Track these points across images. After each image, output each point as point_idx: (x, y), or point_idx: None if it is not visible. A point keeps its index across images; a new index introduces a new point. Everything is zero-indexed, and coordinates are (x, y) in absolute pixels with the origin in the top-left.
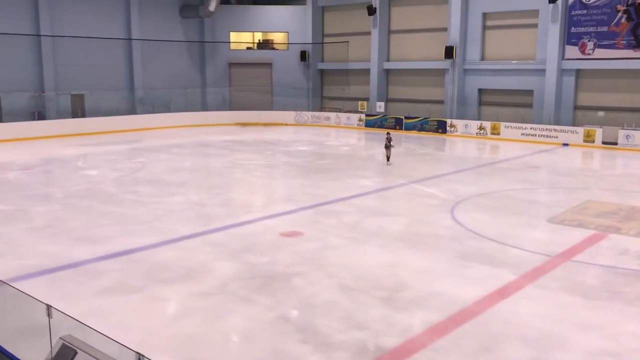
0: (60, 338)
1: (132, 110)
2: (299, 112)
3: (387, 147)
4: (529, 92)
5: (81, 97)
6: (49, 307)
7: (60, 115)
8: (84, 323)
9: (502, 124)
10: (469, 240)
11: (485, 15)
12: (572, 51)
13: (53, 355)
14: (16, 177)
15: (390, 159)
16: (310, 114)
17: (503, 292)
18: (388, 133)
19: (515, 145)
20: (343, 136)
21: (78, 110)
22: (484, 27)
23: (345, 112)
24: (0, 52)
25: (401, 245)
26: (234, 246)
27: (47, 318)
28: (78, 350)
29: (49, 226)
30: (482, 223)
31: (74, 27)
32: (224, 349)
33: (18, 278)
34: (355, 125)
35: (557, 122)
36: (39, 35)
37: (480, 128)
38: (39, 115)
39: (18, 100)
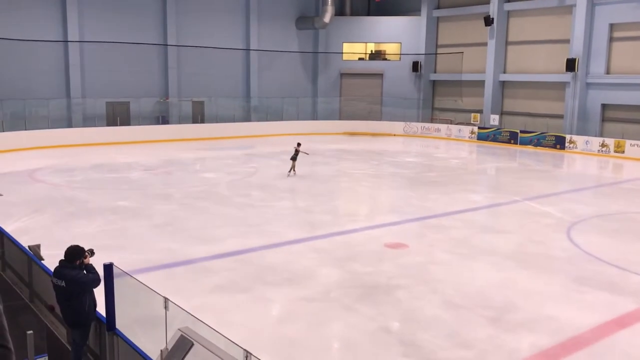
0: (179, 329)
1: (247, 118)
2: (407, 123)
3: (293, 158)
4: None
5: (201, 103)
6: (166, 299)
7: (181, 120)
8: (197, 317)
9: (628, 142)
10: (586, 263)
11: (612, 26)
12: None
13: (172, 346)
14: (140, 177)
15: (295, 170)
16: (420, 125)
17: (622, 322)
18: (298, 144)
19: None
20: (453, 149)
21: (198, 116)
22: (610, 39)
23: (457, 124)
24: (131, 60)
25: (512, 264)
26: (338, 254)
27: (164, 310)
28: (195, 342)
29: (168, 224)
30: (602, 246)
31: (197, 38)
32: (325, 355)
33: (139, 271)
34: (467, 138)
35: None
36: (166, 45)
37: (603, 145)
38: (163, 119)
39: (145, 105)
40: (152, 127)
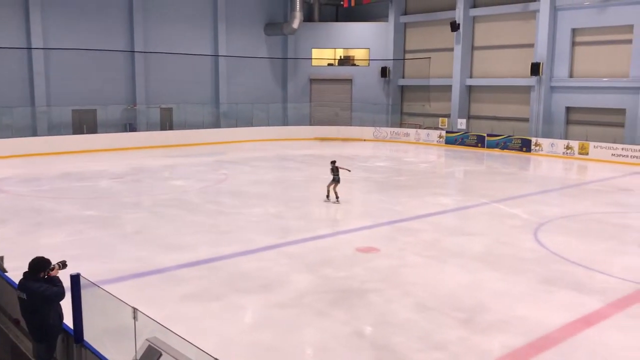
0: (146, 340)
1: (216, 124)
2: (377, 128)
3: (335, 180)
4: (621, 111)
5: (170, 110)
6: (135, 310)
7: (150, 127)
8: (167, 327)
9: (591, 144)
10: (553, 264)
11: (574, 31)
12: None
13: (140, 357)
14: (108, 186)
15: (339, 195)
16: (389, 129)
17: (589, 320)
18: (333, 163)
19: (605, 167)
20: (422, 153)
21: (166, 122)
22: (573, 43)
23: (425, 128)
24: (98, 67)
25: (482, 266)
26: (311, 259)
27: (133, 320)
28: (163, 353)
29: (137, 233)
30: (568, 247)
31: (164, 44)
32: None
33: (108, 281)
34: (435, 142)
35: None
36: (133, 52)
37: (568, 147)
38: (131, 127)
39: (112, 112)
40: (119, 134)
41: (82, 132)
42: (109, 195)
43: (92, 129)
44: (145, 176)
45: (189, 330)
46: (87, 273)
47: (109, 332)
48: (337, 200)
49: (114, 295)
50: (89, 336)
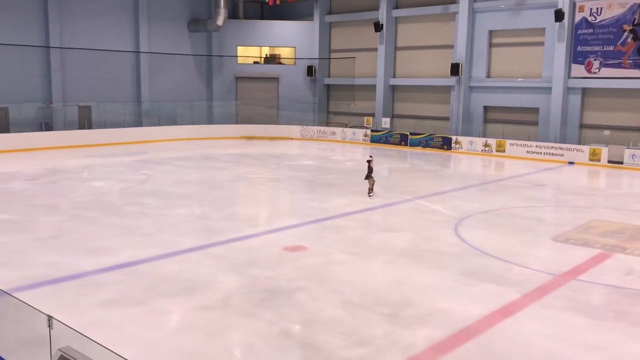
0: (58, 349)
1: (138, 123)
2: (304, 127)
3: (369, 176)
4: (535, 110)
5: (88, 108)
6: (50, 318)
7: (67, 126)
8: (84, 335)
9: (508, 142)
10: (473, 257)
11: (491, 33)
12: (578, 70)
13: None
14: (22, 188)
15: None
16: (316, 128)
17: (507, 311)
18: (370, 158)
19: (521, 163)
20: (348, 151)
21: (85, 121)
22: (490, 45)
23: (351, 127)
24: (10, 63)
25: (406, 261)
26: (237, 260)
27: (48, 329)
28: None
29: (54, 237)
30: (487, 240)
31: (82, 39)
32: None
33: (21, 288)
34: (361, 141)
35: (563, 140)
36: (48, 47)
37: (486, 145)
38: (46, 126)
39: (26, 110)
40: (34, 134)
41: None
42: (23, 198)
43: (4, 129)
44: (62, 177)
45: (109, 338)
46: None
47: (23, 342)
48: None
49: (26, 303)
50: (1, 347)
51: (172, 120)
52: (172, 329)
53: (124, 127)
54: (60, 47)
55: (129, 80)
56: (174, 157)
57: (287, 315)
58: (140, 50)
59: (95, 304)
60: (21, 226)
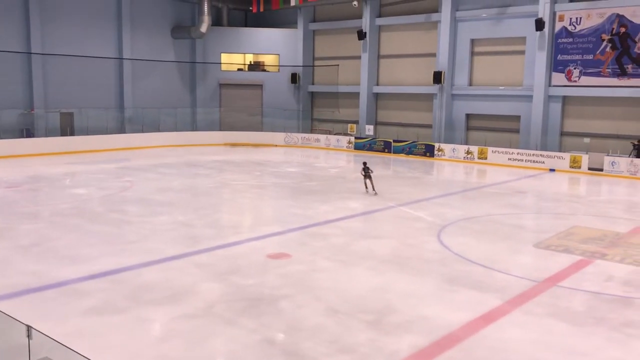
0: None
1: (121, 129)
2: (288, 134)
3: (367, 176)
4: (516, 118)
5: (70, 115)
6: (29, 327)
7: (49, 133)
8: (64, 344)
9: (490, 149)
10: (455, 264)
11: (473, 42)
12: (559, 78)
13: None
14: (3, 195)
15: (375, 187)
16: (300, 135)
17: (489, 318)
18: (364, 163)
19: (502, 170)
20: (332, 158)
21: (67, 128)
22: (472, 53)
23: (335, 134)
24: None
25: (389, 268)
26: (221, 267)
27: (27, 339)
28: None
29: (35, 245)
30: (469, 247)
31: (64, 45)
32: None
33: (1, 297)
34: (345, 148)
35: (544, 147)
36: (30, 53)
37: (468, 152)
38: (28, 132)
39: (7, 117)
40: (15, 140)
41: None
42: (3, 206)
43: None
44: (44, 184)
45: (91, 347)
46: None
47: (2, 352)
48: (375, 192)
49: (4, 313)
50: None
51: (156, 127)
52: (155, 338)
53: (107, 133)
54: (42, 54)
55: (112, 87)
56: (157, 164)
57: (270, 322)
58: (124, 57)
59: (78, 313)
60: (1, 234)
